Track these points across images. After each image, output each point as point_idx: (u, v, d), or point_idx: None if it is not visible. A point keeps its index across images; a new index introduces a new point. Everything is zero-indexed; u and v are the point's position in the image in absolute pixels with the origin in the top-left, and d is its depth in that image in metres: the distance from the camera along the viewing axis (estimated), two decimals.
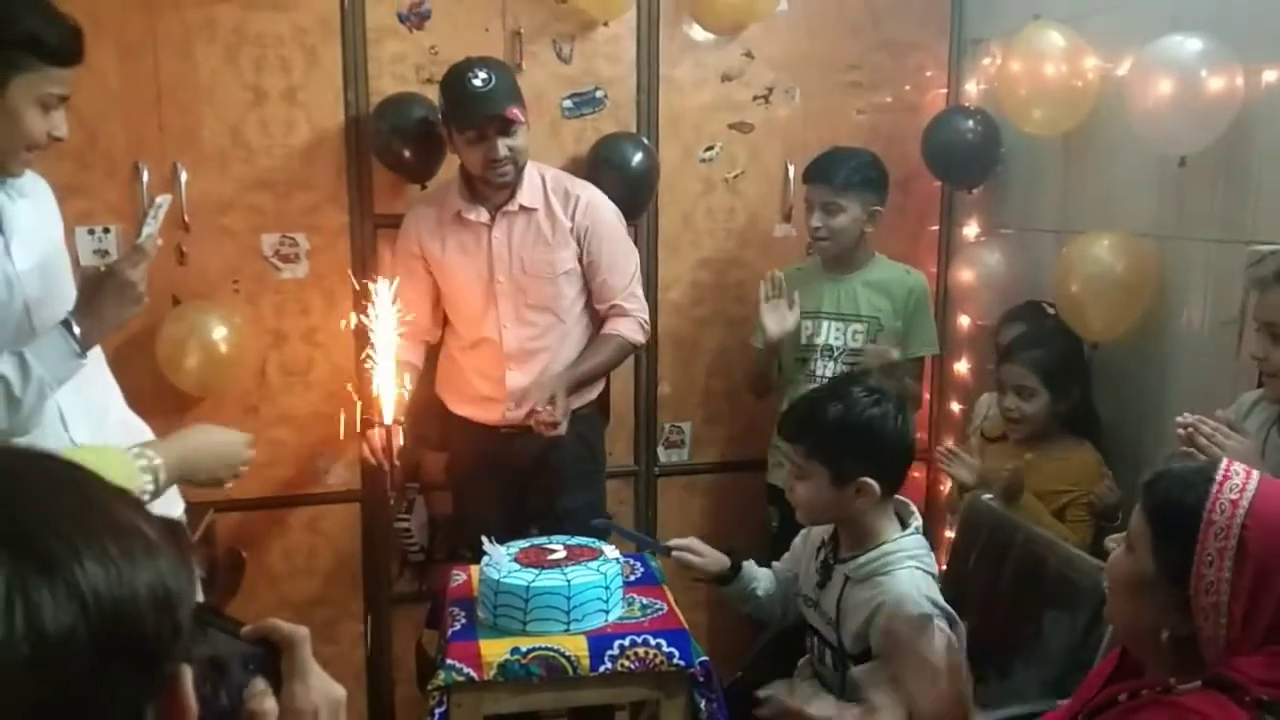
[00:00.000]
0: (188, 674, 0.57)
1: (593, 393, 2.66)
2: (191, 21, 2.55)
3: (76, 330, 1.59)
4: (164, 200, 1.71)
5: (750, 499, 2.96)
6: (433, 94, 2.66)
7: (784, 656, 2.05)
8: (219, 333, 2.56)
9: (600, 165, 2.75)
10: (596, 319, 2.62)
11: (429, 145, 2.62)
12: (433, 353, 2.66)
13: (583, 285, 2.57)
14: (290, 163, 2.66)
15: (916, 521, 1.88)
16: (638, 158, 2.75)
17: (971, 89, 2.99)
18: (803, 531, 2.07)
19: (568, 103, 2.81)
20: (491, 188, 2.44)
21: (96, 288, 1.61)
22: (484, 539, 2.07)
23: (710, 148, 2.92)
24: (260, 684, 0.75)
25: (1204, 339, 2.26)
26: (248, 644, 0.76)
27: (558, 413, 2.37)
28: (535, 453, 2.52)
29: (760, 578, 2.11)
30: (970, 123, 2.87)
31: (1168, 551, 1.19)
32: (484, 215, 2.48)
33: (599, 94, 2.82)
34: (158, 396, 2.60)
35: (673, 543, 2.10)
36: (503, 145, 2.35)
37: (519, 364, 2.52)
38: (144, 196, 2.52)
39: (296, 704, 0.75)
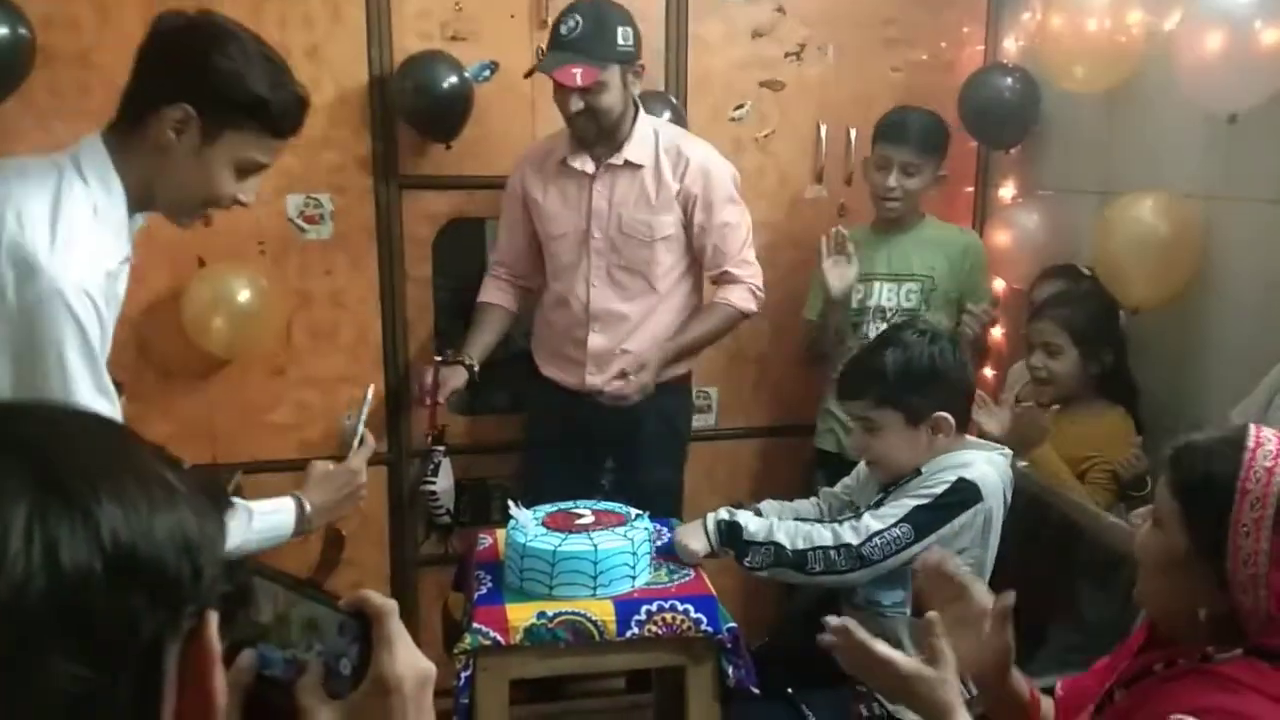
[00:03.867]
0: (213, 620, 0.58)
1: (682, 366, 2.57)
2: None
3: (308, 508, 1.62)
4: (370, 393, 1.81)
5: (781, 467, 2.93)
6: (457, 51, 2.62)
7: (814, 621, 2.02)
8: (244, 295, 2.54)
9: None
10: (696, 293, 2.55)
11: (453, 104, 2.57)
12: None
13: (684, 253, 2.47)
14: (314, 122, 2.57)
15: (1003, 451, 1.91)
16: (666, 116, 2.69)
17: (1010, 45, 2.90)
18: (865, 466, 2.05)
19: None
20: (579, 140, 2.38)
21: (328, 479, 1.66)
22: (510, 502, 2.05)
23: (740, 106, 2.86)
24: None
25: (1251, 304, 2.19)
26: (344, 614, 0.78)
27: (633, 385, 2.31)
28: (614, 423, 2.46)
29: (788, 510, 2.09)
30: (1009, 80, 2.79)
31: (1200, 526, 1.14)
32: (589, 165, 2.40)
33: None
34: (185, 358, 2.60)
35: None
36: (576, 101, 2.26)
37: (603, 326, 2.45)
38: None
39: (384, 673, 0.76)
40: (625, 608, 1.82)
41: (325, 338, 2.73)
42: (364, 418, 1.76)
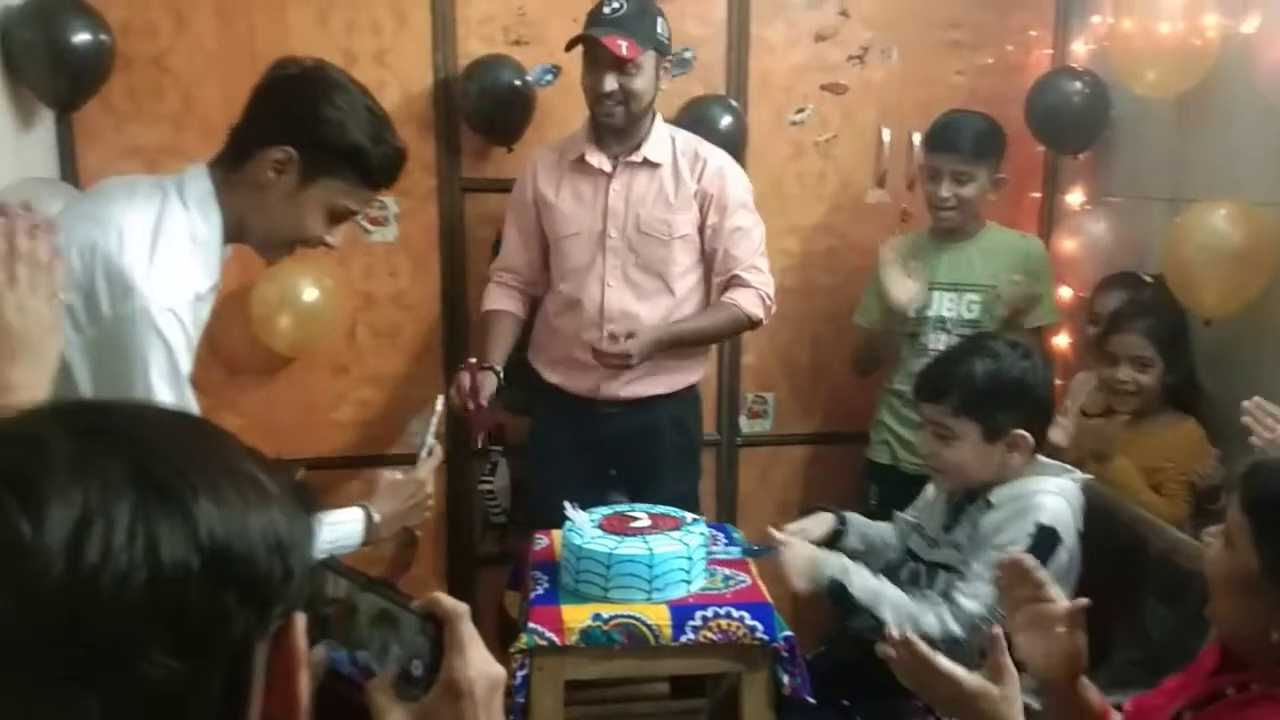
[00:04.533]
0: (300, 621, 0.59)
1: (694, 374, 2.54)
2: None
3: (376, 518, 1.64)
4: (440, 404, 1.83)
5: (836, 474, 2.90)
6: (520, 55, 2.64)
7: (871, 631, 2.00)
8: (310, 295, 2.60)
9: (687, 128, 2.68)
10: (711, 298, 2.52)
11: (516, 108, 2.60)
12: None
13: (699, 256, 2.44)
14: None
15: (1074, 475, 1.83)
16: (726, 121, 2.69)
17: (1079, 49, 2.84)
18: (932, 485, 2.00)
19: None
20: (604, 129, 2.35)
21: (395, 490, 1.68)
22: (566, 504, 2.06)
23: (801, 110, 2.84)
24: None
25: None
26: (417, 615, 0.78)
27: (620, 346, 2.25)
28: (627, 432, 2.44)
29: (874, 530, 2.05)
30: (1077, 84, 2.74)
31: (1271, 546, 1.10)
32: (606, 163, 2.38)
33: (687, 55, 2.76)
34: (251, 355, 2.66)
35: (777, 538, 1.96)
36: (611, 80, 2.25)
37: (618, 328, 2.39)
38: None
39: (455, 677, 0.76)
40: (680, 612, 1.82)
41: (388, 338, 2.78)
42: (433, 429, 1.77)
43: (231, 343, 2.65)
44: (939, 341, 2.54)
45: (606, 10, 2.25)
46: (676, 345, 2.40)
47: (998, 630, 1.24)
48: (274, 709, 0.58)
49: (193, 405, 1.47)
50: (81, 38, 2.34)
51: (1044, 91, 2.77)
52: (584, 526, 1.97)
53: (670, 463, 2.50)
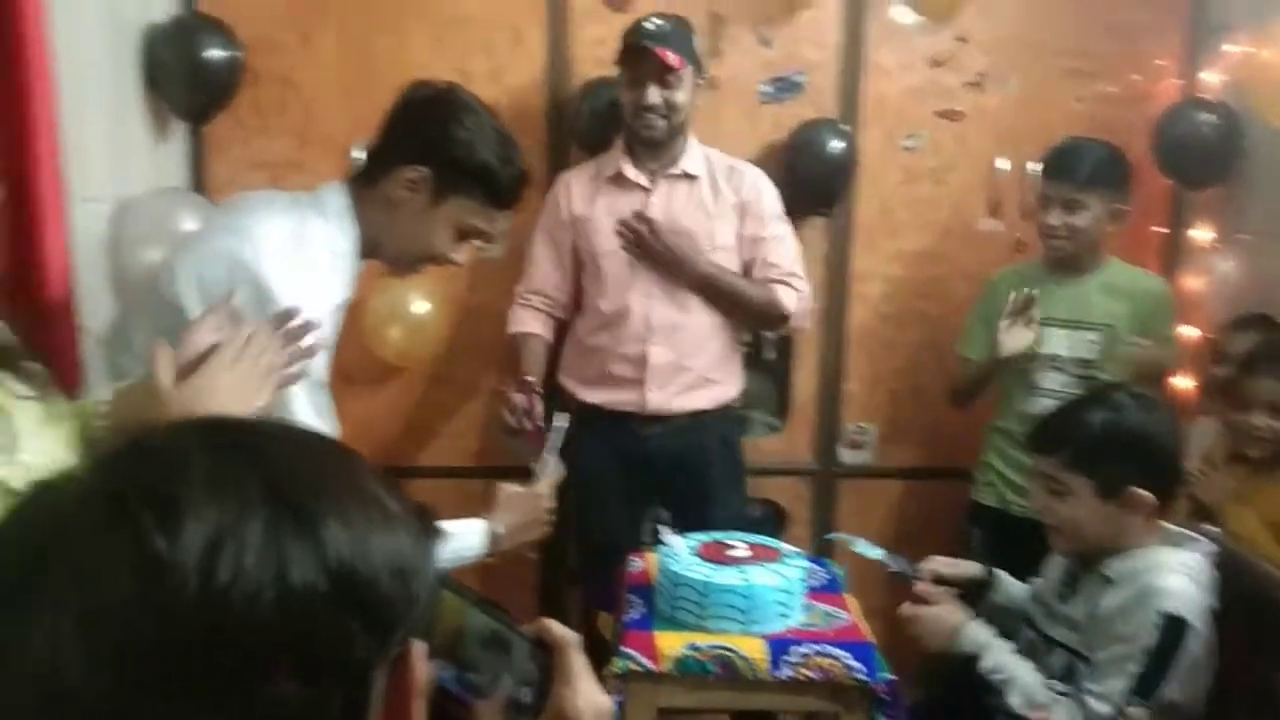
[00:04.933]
0: (420, 650, 0.59)
1: (734, 388, 2.53)
2: (407, 4, 2.64)
3: (499, 529, 1.67)
4: (562, 423, 1.85)
5: (939, 511, 2.82)
6: None
7: (975, 679, 1.93)
8: (419, 307, 2.65)
9: (797, 152, 2.68)
10: None
11: None
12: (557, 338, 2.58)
13: (738, 266, 2.44)
14: None
15: (1203, 546, 1.70)
16: (836, 145, 2.66)
17: (1210, 79, 2.73)
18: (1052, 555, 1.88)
19: (766, 88, 2.75)
20: (644, 145, 2.37)
21: (515, 503, 1.71)
22: (660, 527, 2.05)
23: (914, 136, 2.79)
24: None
25: None
26: (529, 640, 0.78)
27: (646, 224, 2.32)
28: (675, 450, 2.43)
29: (1019, 591, 1.92)
30: (1209, 116, 2.62)
31: None
32: (643, 178, 2.41)
33: (799, 79, 2.74)
34: (362, 364, 2.72)
35: (921, 566, 1.91)
36: (655, 92, 2.29)
37: (664, 340, 2.40)
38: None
39: (564, 706, 0.76)
40: (778, 647, 1.79)
41: (492, 353, 2.80)
42: (557, 445, 1.79)
43: (344, 351, 2.69)
44: (1052, 381, 2.43)
45: (649, 26, 2.29)
46: (706, 286, 2.39)
47: None
48: None
49: (329, 413, 1.51)
50: (215, 54, 2.44)
51: (1172, 123, 2.66)
52: (680, 552, 1.95)
53: (722, 483, 2.49)
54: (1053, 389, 2.41)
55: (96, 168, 2.12)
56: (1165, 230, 2.85)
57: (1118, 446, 1.67)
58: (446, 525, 1.62)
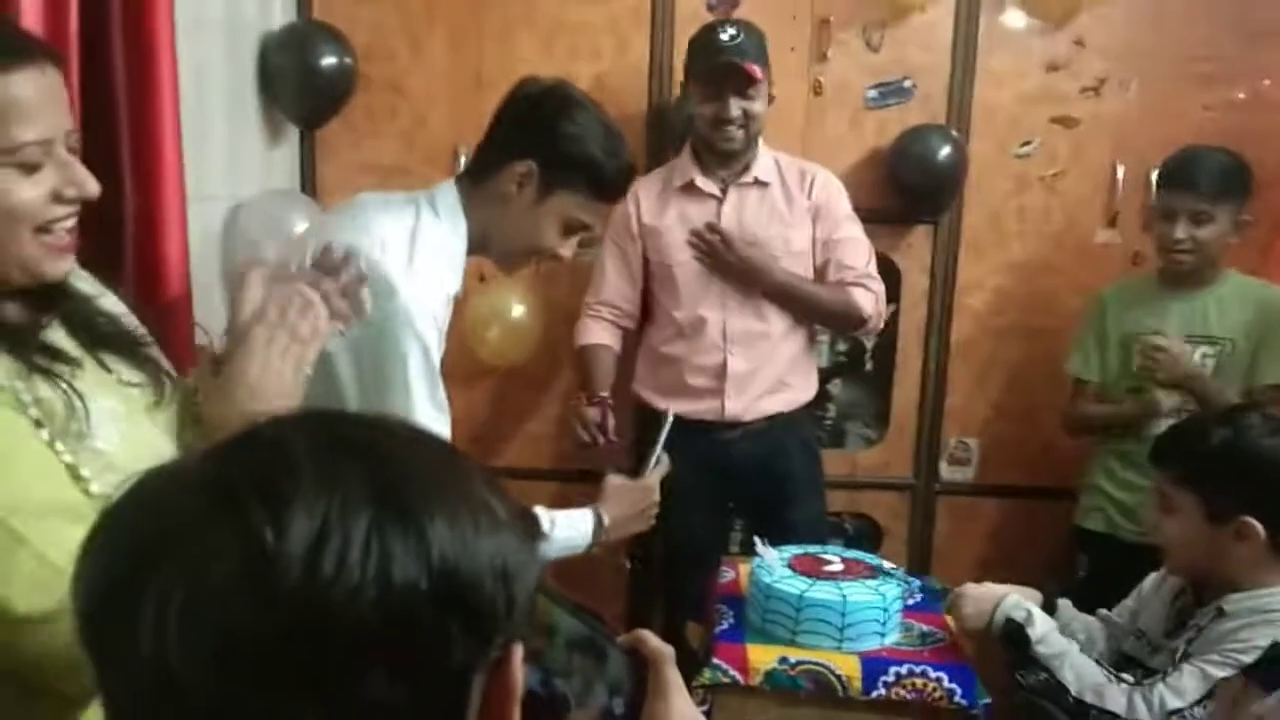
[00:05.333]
0: (518, 653, 0.57)
1: (810, 390, 2.50)
2: (515, 11, 2.67)
3: (606, 520, 1.67)
4: (671, 417, 1.84)
5: (1043, 533, 2.71)
6: None
7: (1074, 706, 1.85)
8: (517, 310, 2.68)
9: (903, 158, 2.62)
10: None
11: None
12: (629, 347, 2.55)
13: (813, 272, 2.41)
14: None
15: None
16: (945, 151, 2.59)
17: None
18: (1157, 574, 1.78)
19: (872, 93, 2.69)
20: (717, 155, 2.34)
21: (623, 494, 1.71)
22: (756, 539, 2.02)
23: (1027, 143, 2.70)
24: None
25: None
26: (623, 651, 0.77)
27: (734, 242, 2.30)
28: (755, 454, 2.40)
29: (1080, 622, 1.82)
30: None
31: None
32: (715, 187, 2.38)
33: (907, 84, 2.68)
34: (461, 363, 2.75)
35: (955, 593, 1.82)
36: (735, 105, 2.25)
37: (742, 349, 2.37)
38: None
39: None
40: (872, 665, 1.74)
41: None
42: (663, 439, 1.78)
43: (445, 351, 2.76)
44: (1169, 399, 2.31)
45: (726, 38, 2.25)
46: (786, 294, 2.37)
47: None
48: None
49: (445, 404, 1.53)
50: (328, 61, 2.51)
51: None
52: (774, 564, 1.92)
53: (802, 485, 2.46)
54: (1170, 407, 2.30)
55: (213, 168, 2.20)
56: None
57: (1232, 468, 1.56)
58: (557, 513, 1.64)
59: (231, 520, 0.50)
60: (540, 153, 1.54)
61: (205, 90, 2.15)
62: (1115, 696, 1.56)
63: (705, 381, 2.41)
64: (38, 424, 0.92)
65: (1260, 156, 2.55)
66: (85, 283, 1.07)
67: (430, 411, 1.50)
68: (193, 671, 0.48)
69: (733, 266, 2.34)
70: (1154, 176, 2.57)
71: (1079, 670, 1.60)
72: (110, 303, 1.09)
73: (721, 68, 2.24)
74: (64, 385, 0.94)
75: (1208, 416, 1.73)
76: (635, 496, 1.71)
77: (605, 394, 2.38)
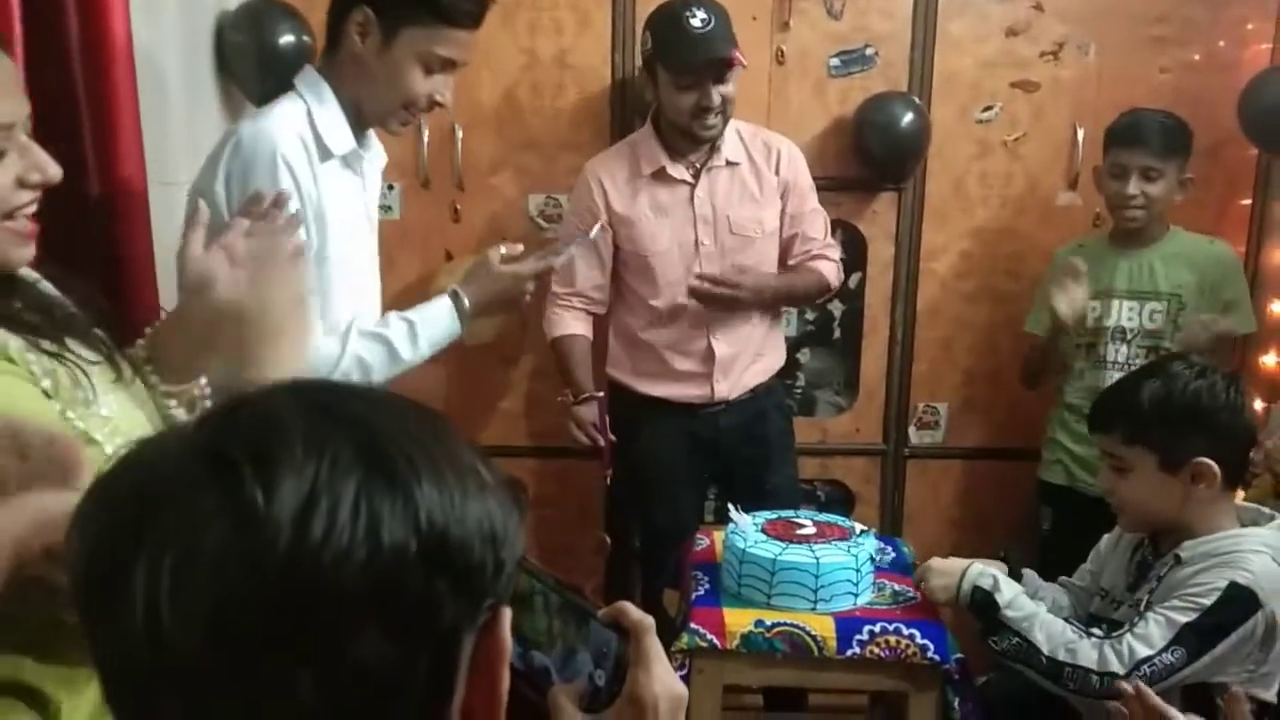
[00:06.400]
0: (506, 615, 0.59)
1: (781, 357, 2.54)
2: None
3: (466, 304, 1.69)
4: (597, 233, 1.87)
5: (1012, 492, 2.76)
6: None
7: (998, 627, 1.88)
8: None
9: (867, 126, 2.63)
10: None
11: None
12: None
13: (781, 245, 2.43)
14: (558, 125, 2.71)
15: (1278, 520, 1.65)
16: (908, 118, 2.60)
17: None
18: (1111, 534, 1.86)
19: (835, 61, 2.70)
20: (692, 140, 2.31)
21: (488, 279, 1.73)
22: (730, 506, 2.04)
23: (989, 108, 2.72)
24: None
25: None
26: (604, 624, 0.78)
27: (742, 279, 2.29)
28: (741, 423, 2.43)
29: (1046, 591, 1.86)
30: None
31: None
32: (686, 173, 2.35)
33: (869, 51, 2.69)
34: None
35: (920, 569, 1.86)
36: (717, 93, 2.21)
37: (724, 332, 2.38)
38: (423, 155, 2.65)
39: (639, 693, 0.76)
40: (847, 625, 1.77)
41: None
42: (570, 250, 1.85)
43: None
44: (1118, 354, 2.40)
45: (698, 24, 2.18)
46: (775, 300, 2.42)
47: (1238, 690, 1.14)
48: (475, 704, 0.57)
49: (369, 291, 1.67)
50: (286, 39, 2.47)
51: (1260, 90, 2.53)
52: (748, 530, 1.94)
53: (778, 449, 2.50)
54: (1119, 361, 2.37)
55: (175, 152, 2.17)
56: (1251, 202, 2.74)
57: (1174, 416, 1.63)
58: (413, 314, 1.66)
59: (223, 485, 0.50)
60: None
61: (162, 72, 2.12)
62: (1087, 651, 1.60)
63: (692, 366, 2.41)
64: (47, 395, 0.93)
65: (1215, 117, 2.60)
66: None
67: (344, 304, 1.63)
68: (185, 635, 0.49)
69: (730, 301, 2.31)
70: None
71: (1049, 630, 1.64)
72: (47, 287, 1.09)
73: (705, 62, 2.19)
74: (71, 357, 0.96)
75: (1136, 375, 1.77)
76: (505, 283, 1.72)
77: (599, 392, 2.39)
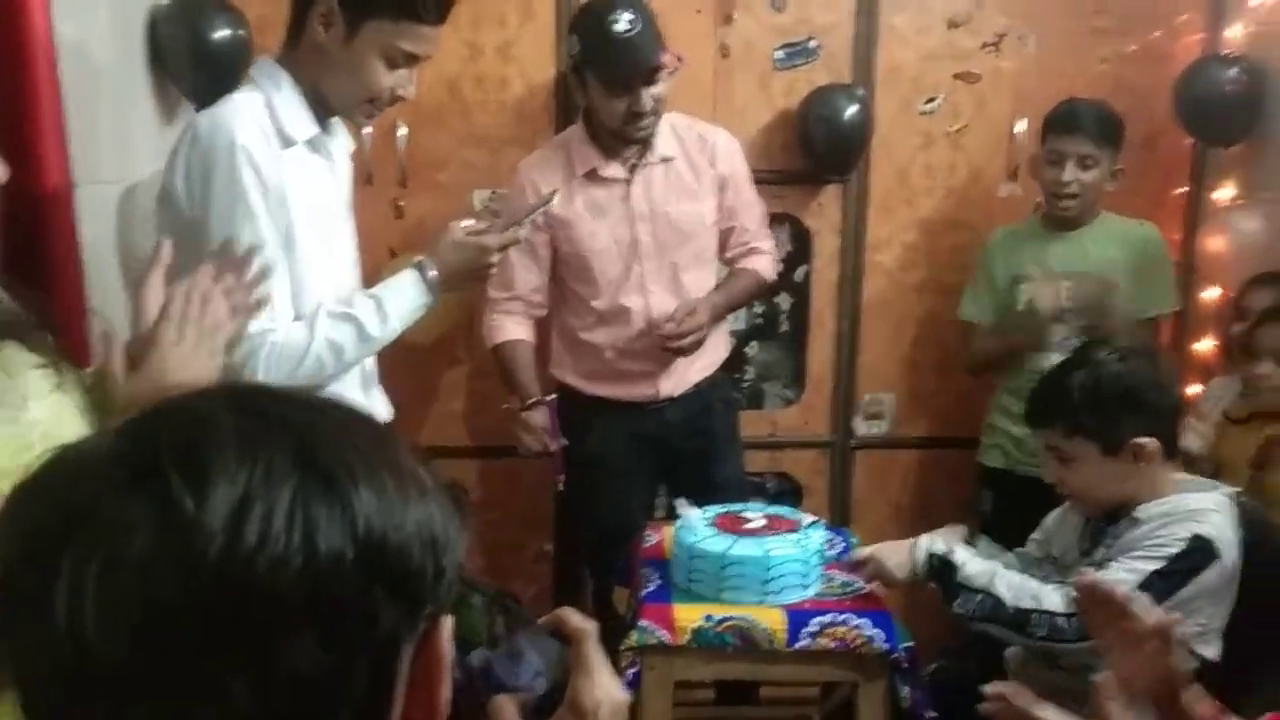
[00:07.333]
0: (447, 625, 0.58)
1: (725, 349, 2.53)
2: None
3: (430, 274, 1.66)
4: (556, 198, 1.85)
5: (957, 479, 2.79)
6: None
7: (994, 646, 1.92)
8: None
9: (810, 119, 2.63)
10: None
11: None
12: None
13: (718, 240, 2.42)
14: (502, 119, 2.69)
15: (1224, 490, 1.72)
16: (851, 110, 2.61)
17: (1234, 34, 2.66)
18: (1060, 509, 1.90)
19: (779, 54, 2.70)
20: (625, 142, 2.28)
21: (454, 249, 1.71)
22: (679, 500, 2.04)
23: (931, 99, 2.74)
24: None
25: None
26: (543, 632, 0.77)
27: (698, 319, 2.26)
28: (685, 420, 2.42)
29: (999, 556, 1.90)
30: (1232, 72, 2.56)
31: None
32: (621, 171, 2.31)
33: (813, 44, 2.70)
34: None
35: (859, 554, 1.86)
36: (648, 96, 2.17)
37: (672, 328, 2.34)
38: (365, 151, 2.61)
39: (580, 699, 0.76)
40: (796, 617, 1.78)
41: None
42: (538, 215, 1.85)
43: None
44: (1053, 334, 2.43)
45: (624, 28, 2.13)
46: (720, 317, 2.42)
47: (1100, 678, 1.16)
48: (414, 715, 0.56)
49: (264, 239, 1.57)
50: (222, 34, 2.42)
51: (1193, 80, 2.60)
52: (696, 524, 1.94)
53: (724, 442, 2.50)
54: (1055, 341, 2.41)
55: (102, 149, 2.11)
56: (1187, 190, 2.80)
57: (1106, 403, 1.68)
58: (379, 289, 1.65)
59: (151, 490, 0.49)
60: None
61: (92, 68, 2.06)
62: (1051, 595, 1.65)
63: (636, 365, 2.38)
64: None
65: (1152, 107, 2.65)
66: None
67: (285, 300, 1.58)
68: (110, 645, 0.48)
69: (703, 333, 2.30)
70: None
71: (1009, 581, 1.69)
72: None
73: (634, 70, 2.15)
74: None
75: (1062, 368, 1.81)
76: (470, 254, 1.71)
77: (550, 396, 2.36)
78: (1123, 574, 1.61)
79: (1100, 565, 1.69)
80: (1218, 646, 1.67)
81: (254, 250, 1.27)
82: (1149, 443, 1.67)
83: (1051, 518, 1.92)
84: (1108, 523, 1.75)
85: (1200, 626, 1.64)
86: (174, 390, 1.05)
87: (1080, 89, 2.59)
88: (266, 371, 1.53)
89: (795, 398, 2.92)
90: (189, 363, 1.09)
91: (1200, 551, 1.61)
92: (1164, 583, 1.60)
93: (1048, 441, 1.76)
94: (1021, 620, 1.65)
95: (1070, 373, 1.74)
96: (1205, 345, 2.75)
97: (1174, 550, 1.61)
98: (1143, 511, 1.69)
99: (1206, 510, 1.66)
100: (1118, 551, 1.68)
